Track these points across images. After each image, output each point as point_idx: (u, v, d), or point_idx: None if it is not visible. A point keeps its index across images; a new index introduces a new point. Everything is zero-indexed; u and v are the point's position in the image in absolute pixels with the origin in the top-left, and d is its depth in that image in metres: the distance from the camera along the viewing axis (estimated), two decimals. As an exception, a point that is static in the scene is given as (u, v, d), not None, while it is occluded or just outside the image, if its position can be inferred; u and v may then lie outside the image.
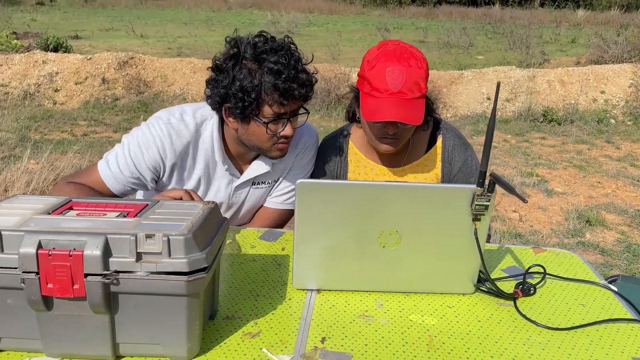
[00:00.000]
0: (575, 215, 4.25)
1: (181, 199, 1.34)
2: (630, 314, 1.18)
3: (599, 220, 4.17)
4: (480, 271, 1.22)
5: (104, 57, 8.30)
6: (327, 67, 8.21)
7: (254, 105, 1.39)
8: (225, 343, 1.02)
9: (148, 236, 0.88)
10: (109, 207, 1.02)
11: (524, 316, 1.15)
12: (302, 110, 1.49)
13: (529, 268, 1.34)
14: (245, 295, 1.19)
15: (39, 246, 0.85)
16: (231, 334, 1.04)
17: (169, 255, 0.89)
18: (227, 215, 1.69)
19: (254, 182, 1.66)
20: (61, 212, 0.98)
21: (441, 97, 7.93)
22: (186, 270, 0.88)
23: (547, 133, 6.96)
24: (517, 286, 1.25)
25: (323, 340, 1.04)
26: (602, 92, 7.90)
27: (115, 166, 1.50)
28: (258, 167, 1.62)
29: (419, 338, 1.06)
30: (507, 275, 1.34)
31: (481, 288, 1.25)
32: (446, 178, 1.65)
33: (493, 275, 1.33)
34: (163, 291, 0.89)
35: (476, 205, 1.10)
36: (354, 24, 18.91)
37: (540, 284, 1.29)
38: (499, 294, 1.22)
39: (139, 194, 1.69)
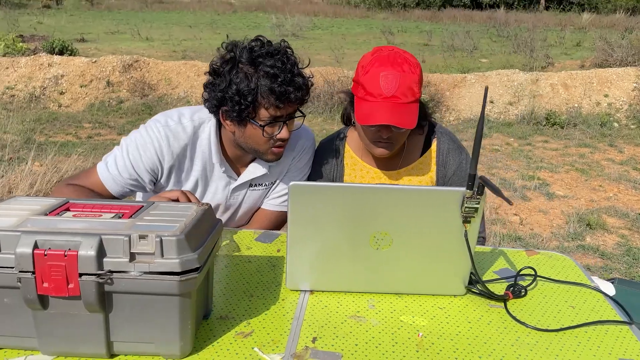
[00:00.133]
0: (576, 219, 4.25)
1: (177, 199, 1.36)
2: (619, 316, 1.19)
3: (599, 224, 4.17)
4: (471, 273, 1.23)
5: (108, 60, 8.37)
6: (330, 70, 8.24)
7: (250, 108, 1.41)
8: (218, 342, 1.03)
9: (141, 237, 0.90)
10: (104, 209, 1.04)
11: (514, 317, 1.16)
12: (298, 113, 1.52)
13: (520, 270, 1.36)
14: (240, 295, 1.21)
15: (35, 246, 0.87)
16: (224, 333, 1.06)
17: (162, 255, 0.91)
18: (225, 217, 1.72)
19: (251, 184, 1.68)
20: (58, 213, 1.00)
21: (444, 100, 7.94)
22: (178, 270, 0.90)
23: (550, 136, 6.96)
24: (508, 288, 1.26)
25: (314, 340, 1.06)
26: (606, 96, 7.88)
27: (113, 168, 1.52)
28: (255, 170, 1.64)
29: (409, 338, 1.08)
30: (498, 277, 1.35)
31: (472, 290, 1.26)
32: (441, 181, 1.67)
33: (485, 277, 1.35)
34: (156, 291, 0.91)
35: (466, 207, 1.12)
36: (358, 27, 18.97)
37: (531, 286, 1.31)
38: (490, 295, 1.23)
39: (138, 196, 1.72)
